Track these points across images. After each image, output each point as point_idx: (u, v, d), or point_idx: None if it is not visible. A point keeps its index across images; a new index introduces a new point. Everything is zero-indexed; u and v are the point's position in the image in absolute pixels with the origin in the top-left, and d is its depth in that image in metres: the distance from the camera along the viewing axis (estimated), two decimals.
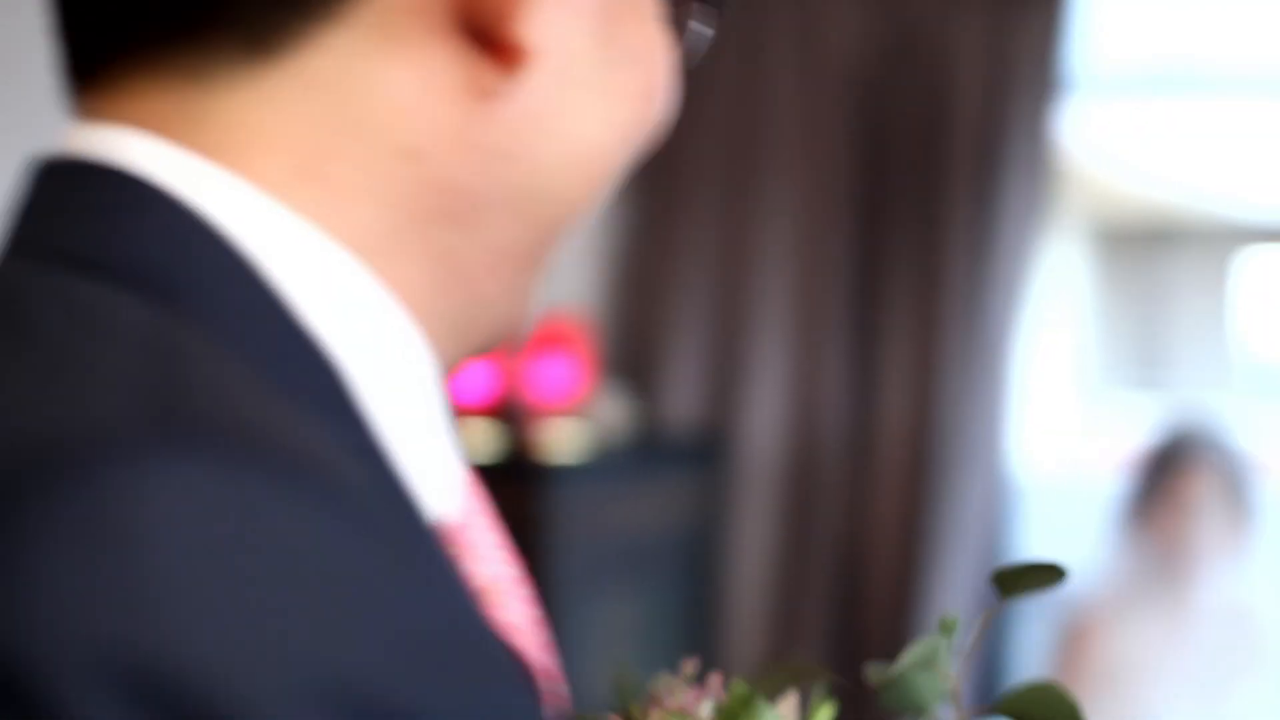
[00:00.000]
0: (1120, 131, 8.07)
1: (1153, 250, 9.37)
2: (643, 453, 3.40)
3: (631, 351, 3.60)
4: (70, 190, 0.59)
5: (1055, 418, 8.64)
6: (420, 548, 0.55)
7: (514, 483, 2.72)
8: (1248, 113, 7.20)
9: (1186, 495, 2.61)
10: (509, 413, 3.00)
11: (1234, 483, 2.62)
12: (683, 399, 3.57)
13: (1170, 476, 2.66)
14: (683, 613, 3.42)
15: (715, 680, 0.93)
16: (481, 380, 2.99)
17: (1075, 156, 8.35)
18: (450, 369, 0.65)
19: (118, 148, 0.59)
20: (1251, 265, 9.16)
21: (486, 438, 2.93)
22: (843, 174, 3.49)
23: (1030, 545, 3.08)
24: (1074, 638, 2.68)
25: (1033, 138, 3.36)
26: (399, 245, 0.61)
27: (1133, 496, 2.72)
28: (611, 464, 3.18)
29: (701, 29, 0.70)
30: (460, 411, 2.91)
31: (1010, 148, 3.36)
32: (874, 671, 1.29)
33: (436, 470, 0.62)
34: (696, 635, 3.47)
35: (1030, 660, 3.21)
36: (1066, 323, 9.21)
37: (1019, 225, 3.38)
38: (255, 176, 0.58)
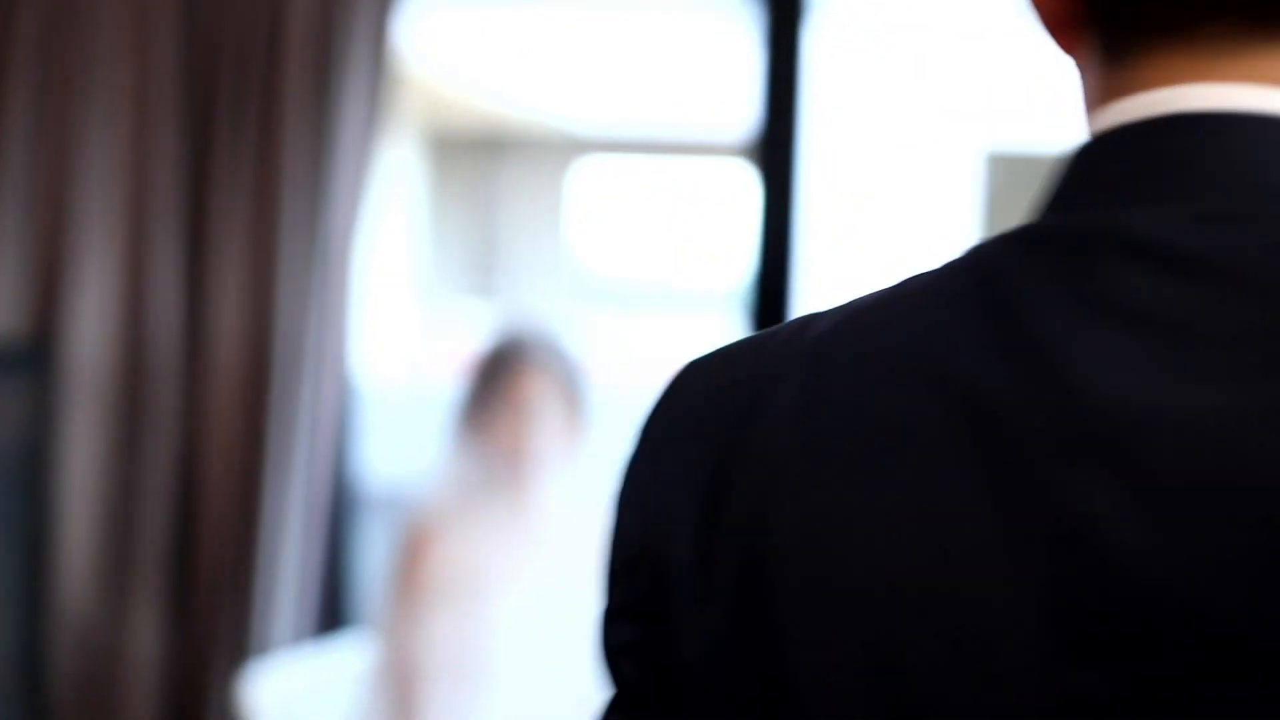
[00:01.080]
0: (457, 39, 8.16)
1: (489, 159, 9.57)
2: None
3: None
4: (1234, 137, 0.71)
5: (395, 324, 8.71)
6: None
7: None
8: (585, 25, 7.42)
9: (522, 398, 2.61)
10: None
11: (568, 386, 2.66)
12: (1, 306, 3.36)
13: (505, 380, 2.65)
14: (11, 527, 3.24)
15: None
16: None
17: (413, 63, 8.39)
18: None
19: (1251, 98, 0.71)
20: (586, 176, 9.52)
21: None
22: (173, 74, 3.34)
23: (374, 451, 3.04)
24: (412, 548, 2.63)
25: (373, 42, 3.32)
26: None
27: (467, 401, 2.67)
28: None
29: None
30: None
31: (350, 52, 3.30)
32: None
33: None
34: (27, 549, 3.29)
35: (378, 572, 3.20)
36: (405, 230, 9.28)
37: (358, 131, 3.34)
38: None
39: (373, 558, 3.38)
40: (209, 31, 3.34)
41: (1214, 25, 0.73)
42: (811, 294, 3.39)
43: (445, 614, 2.54)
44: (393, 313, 8.94)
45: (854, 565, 0.70)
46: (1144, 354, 0.67)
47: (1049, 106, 7.98)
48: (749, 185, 3.37)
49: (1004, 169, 8.75)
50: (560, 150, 9.47)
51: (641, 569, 0.79)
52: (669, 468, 0.79)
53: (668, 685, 0.78)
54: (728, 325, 3.42)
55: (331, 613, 3.50)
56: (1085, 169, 0.76)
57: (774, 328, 0.82)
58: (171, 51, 3.34)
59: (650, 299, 9.41)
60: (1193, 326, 0.67)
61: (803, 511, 0.72)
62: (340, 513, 3.49)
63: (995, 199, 8.73)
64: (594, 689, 2.61)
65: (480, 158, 9.47)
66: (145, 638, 3.39)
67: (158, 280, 3.36)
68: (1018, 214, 8.63)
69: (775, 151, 3.38)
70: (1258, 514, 0.63)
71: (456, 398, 2.73)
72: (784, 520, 0.73)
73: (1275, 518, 0.63)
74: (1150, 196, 0.71)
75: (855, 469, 0.71)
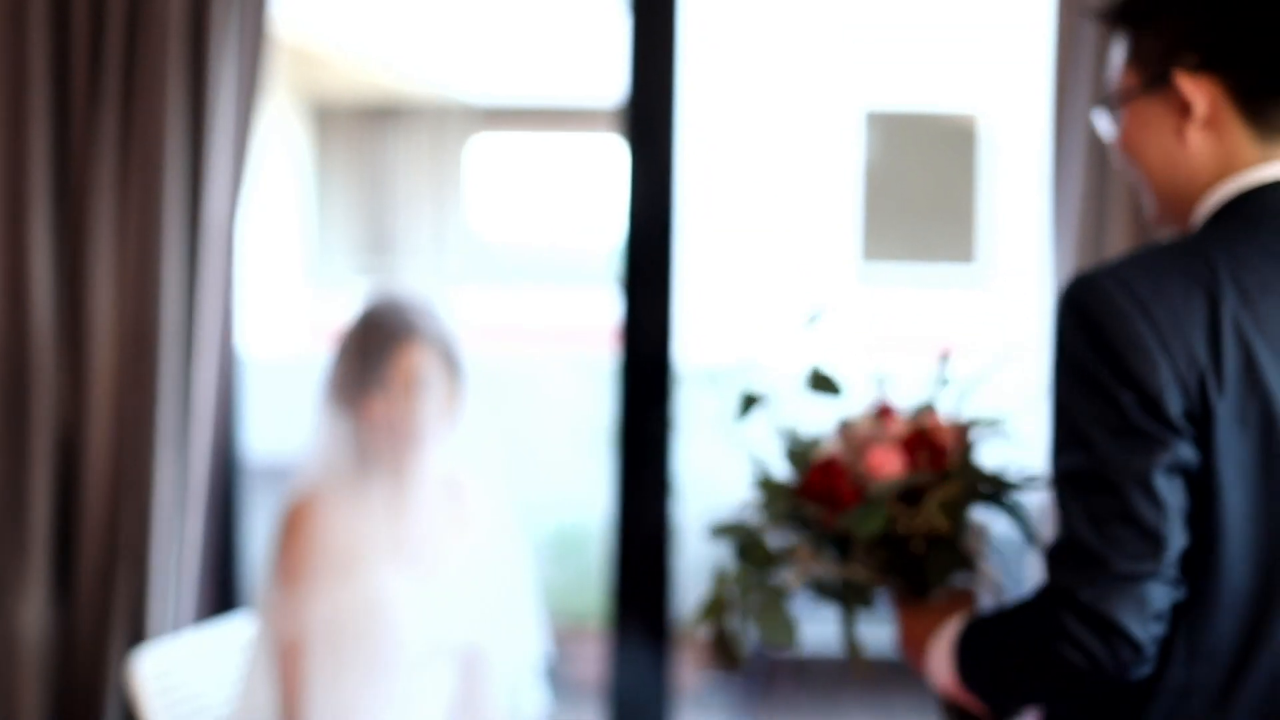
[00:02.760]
0: (340, 5, 8.09)
1: (378, 130, 9.49)
2: None
3: None
4: None
5: (281, 298, 8.64)
6: None
7: None
8: None
9: (406, 369, 2.57)
10: None
11: (450, 356, 2.65)
12: None
13: (386, 350, 2.58)
14: None
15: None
16: None
17: (294, 30, 8.31)
18: None
19: None
20: (474, 145, 9.46)
21: None
22: (43, 49, 3.30)
23: (263, 427, 3.03)
24: (291, 523, 2.59)
25: (249, 9, 3.28)
26: None
27: (344, 372, 2.59)
28: None
29: None
30: None
31: (226, 22, 3.27)
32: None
33: None
34: None
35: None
36: (290, 202, 9.20)
37: (236, 101, 3.32)
38: None
39: (262, 534, 3.37)
40: (78, 5, 3.29)
41: None
42: (689, 259, 3.42)
43: (327, 588, 2.52)
44: (279, 286, 8.88)
45: None
46: None
47: (926, 66, 8.05)
48: (623, 152, 3.39)
49: (884, 128, 8.81)
50: (448, 119, 9.41)
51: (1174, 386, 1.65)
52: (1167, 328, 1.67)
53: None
54: (609, 293, 3.44)
55: (222, 589, 3.49)
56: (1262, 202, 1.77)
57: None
58: (39, 31, 3.28)
59: (535, 269, 9.39)
60: None
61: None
62: (228, 489, 3.48)
63: (875, 158, 8.80)
64: (482, 657, 2.62)
65: (366, 127, 9.40)
66: (32, 618, 3.36)
67: (34, 259, 3.31)
68: (898, 173, 8.70)
69: (649, 117, 3.40)
70: None
71: (330, 367, 2.64)
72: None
73: None
74: None
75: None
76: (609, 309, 3.43)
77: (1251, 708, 1.67)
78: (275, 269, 8.73)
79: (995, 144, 8.36)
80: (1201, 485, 1.65)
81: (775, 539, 1.92)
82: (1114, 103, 1.86)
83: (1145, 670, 1.65)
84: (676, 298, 3.41)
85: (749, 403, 1.99)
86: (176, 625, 3.36)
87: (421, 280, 9.17)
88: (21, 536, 3.35)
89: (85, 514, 3.34)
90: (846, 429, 1.93)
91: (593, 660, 5.31)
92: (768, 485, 1.93)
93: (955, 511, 1.88)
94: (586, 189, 8.97)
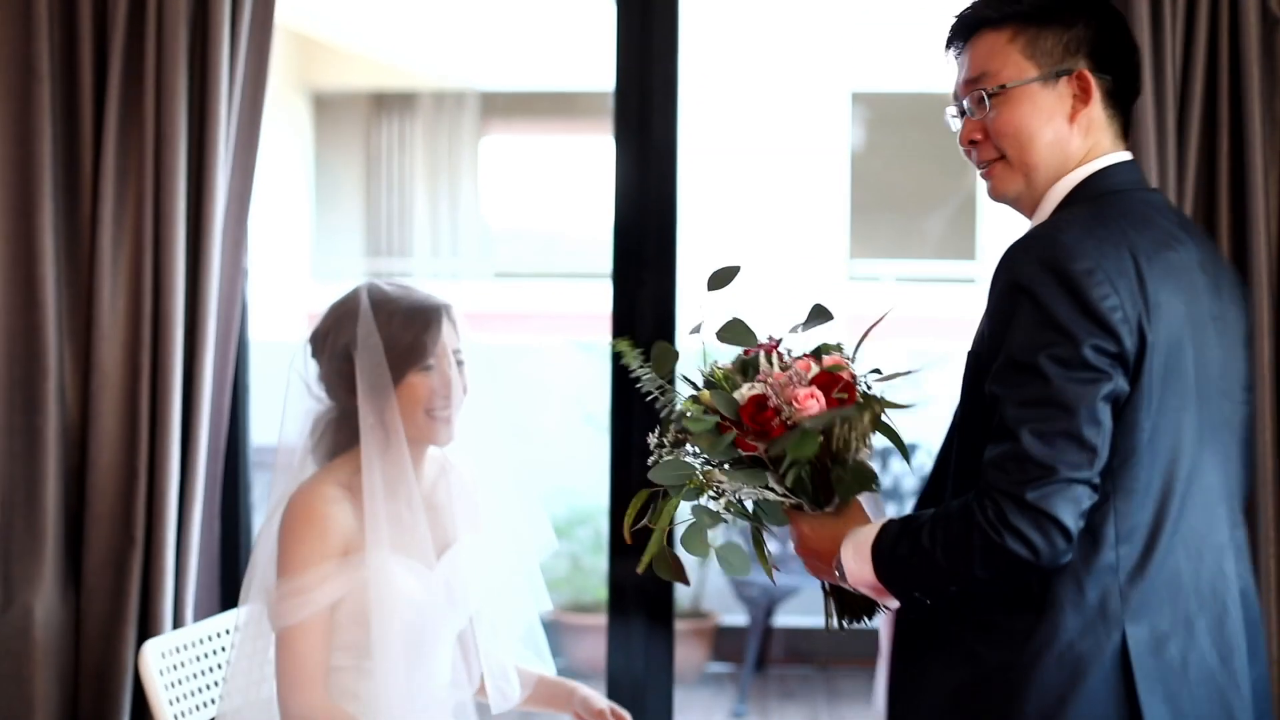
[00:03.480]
0: None
1: (383, 118, 9.49)
2: None
3: None
4: None
5: (285, 288, 8.67)
6: None
7: None
8: None
9: (444, 348, 2.57)
10: None
11: (457, 345, 2.67)
12: None
13: (431, 332, 2.56)
14: None
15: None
16: None
17: (298, 18, 8.32)
18: None
19: None
20: (485, 136, 9.46)
21: None
22: (49, 42, 3.33)
23: (269, 416, 3.01)
24: (296, 512, 2.57)
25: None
26: None
27: (373, 358, 2.55)
28: None
29: None
30: None
31: (230, 11, 3.30)
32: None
33: None
34: None
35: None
36: (295, 189, 9.20)
37: (242, 91, 3.35)
38: None
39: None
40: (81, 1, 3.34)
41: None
42: (684, 242, 3.44)
43: (332, 575, 2.53)
44: (283, 276, 8.89)
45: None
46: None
47: (912, 47, 8.04)
48: (619, 138, 3.41)
49: (871, 108, 8.80)
50: (454, 107, 9.41)
51: (1125, 327, 2.02)
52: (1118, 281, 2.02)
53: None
54: (611, 280, 3.47)
55: (230, 576, 3.53)
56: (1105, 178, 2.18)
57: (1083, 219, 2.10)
58: (47, 16, 3.32)
59: (541, 257, 9.39)
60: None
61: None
62: (235, 477, 3.52)
63: (865, 138, 8.79)
64: (481, 631, 2.65)
65: (370, 115, 9.40)
66: (44, 607, 3.40)
67: (42, 249, 3.34)
68: (887, 152, 8.69)
69: (642, 104, 3.42)
70: None
71: (342, 355, 2.61)
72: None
73: None
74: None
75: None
76: (610, 296, 3.46)
77: (1161, 579, 2.07)
78: (279, 258, 8.75)
79: None
80: (1130, 406, 2.04)
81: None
82: (995, 90, 2.16)
83: (1069, 558, 2.01)
84: (677, 283, 3.45)
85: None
86: (186, 613, 3.41)
87: (426, 268, 9.18)
88: (33, 526, 3.39)
89: (94, 503, 3.38)
90: (757, 368, 2.22)
91: (594, 645, 5.36)
92: (696, 421, 2.17)
93: (866, 435, 2.20)
94: (591, 177, 8.97)
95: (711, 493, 2.18)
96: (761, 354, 2.23)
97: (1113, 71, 2.18)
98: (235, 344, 3.42)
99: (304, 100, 9.13)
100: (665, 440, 2.24)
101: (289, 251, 8.94)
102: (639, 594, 3.46)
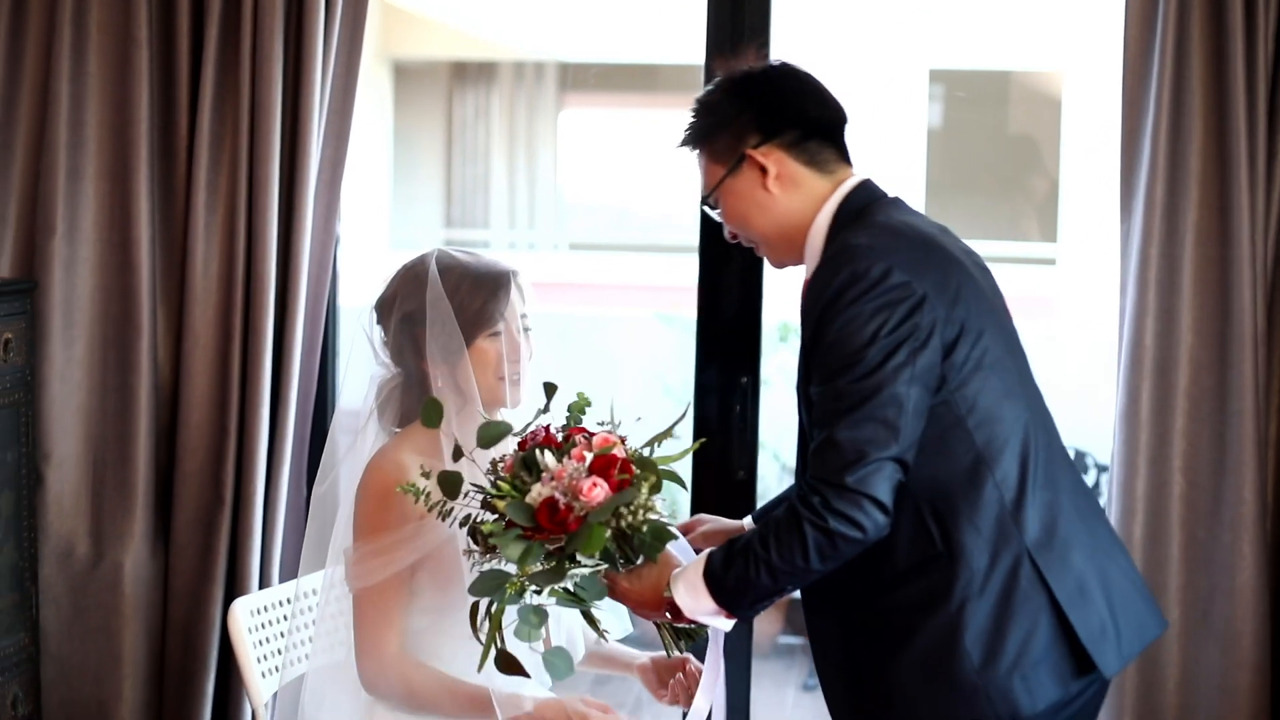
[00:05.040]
0: None
1: (463, 88, 9.52)
2: None
3: None
4: None
5: (365, 255, 8.73)
6: None
7: None
8: None
9: (513, 313, 2.58)
10: None
11: (524, 312, 2.68)
12: None
13: (500, 297, 2.57)
14: (5, 462, 3.31)
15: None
16: None
17: None
18: None
19: None
20: (567, 107, 9.48)
21: None
22: (146, 11, 3.39)
23: (356, 380, 3.03)
24: (373, 476, 2.58)
25: None
26: None
27: (443, 323, 2.56)
28: None
29: None
30: None
31: None
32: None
33: None
34: (17, 480, 3.35)
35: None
36: (378, 157, 9.26)
37: (336, 61, 3.39)
38: None
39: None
40: None
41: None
42: None
43: (410, 538, 2.55)
44: (364, 242, 8.95)
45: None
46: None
47: (991, 23, 7.99)
48: None
49: (950, 85, 8.75)
50: (535, 78, 9.43)
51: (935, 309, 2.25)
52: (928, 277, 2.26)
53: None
54: (694, 255, 3.49)
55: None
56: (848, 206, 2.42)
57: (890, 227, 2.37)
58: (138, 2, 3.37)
59: (613, 229, 9.40)
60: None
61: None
62: (322, 440, 3.56)
63: (942, 116, 8.74)
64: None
65: (451, 84, 9.43)
66: (134, 564, 3.47)
67: (138, 215, 3.40)
68: (965, 131, 8.65)
69: None
70: None
71: (405, 320, 2.62)
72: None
73: None
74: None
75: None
76: (694, 269, 3.48)
77: (1037, 503, 2.31)
78: (360, 226, 8.81)
79: (1078, 105, 8.31)
80: (965, 379, 2.28)
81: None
82: (711, 198, 2.45)
83: (886, 531, 2.22)
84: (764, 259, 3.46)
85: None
86: (272, 572, 3.46)
87: (502, 238, 9.22)
88: (124, 484, 3.46)
89: (184, 462, 3.44)
90: (537, 465, 2.38)
91: None
92: (501, 538, 2.33)
93: (648, 504, 2.38)
94: (673, 150, 8.95)
95: (533, 588, 2.33)
96: (537, 451, 2.38)
97: (787, 127, 2.41)
98: (325, 309, 3.47)
99: (385, 69, 9.18)
100: (475, 550, 2.38)
101: (369, 219, 9.00)
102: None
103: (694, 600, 2.33)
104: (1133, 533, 3.25)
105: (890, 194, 2.47)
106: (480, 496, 2.40)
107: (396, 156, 9.48)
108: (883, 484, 2.20)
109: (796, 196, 2.41)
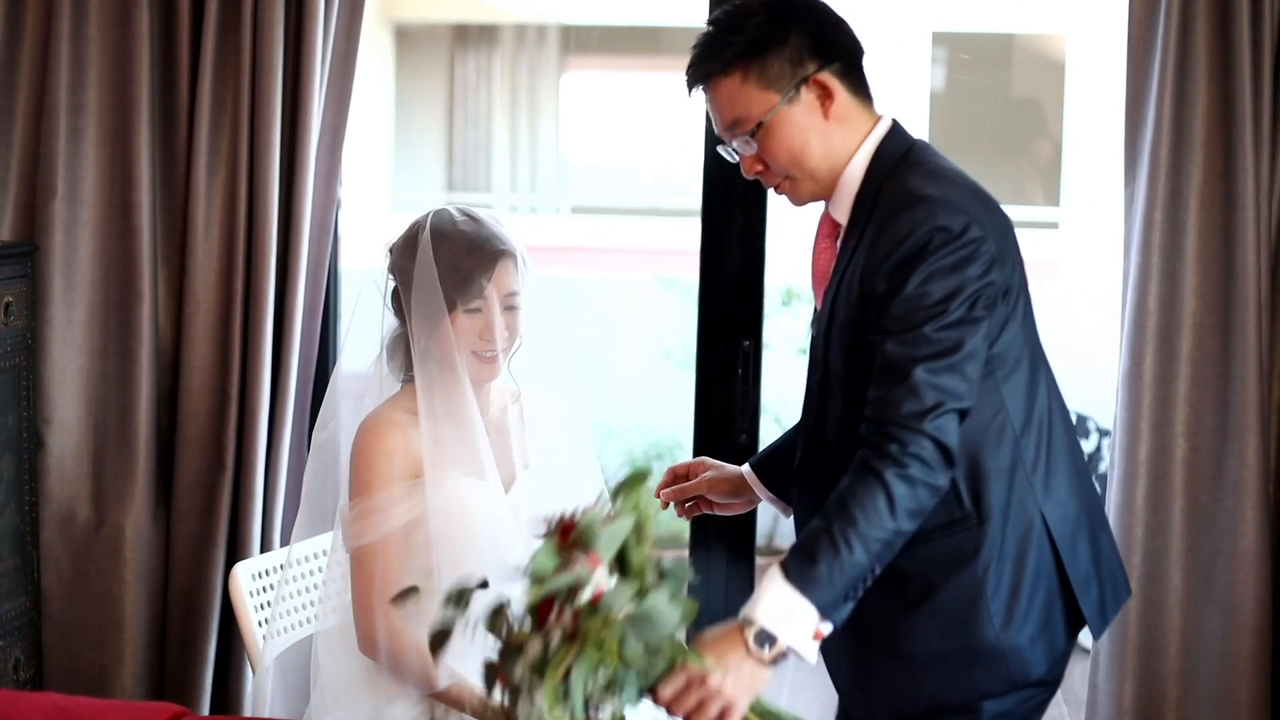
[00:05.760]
0: None
1: (465, 50, 9.49)
2: None
3: None
4: None
5: (366, 219, 8.71)
6: None
7: None
8: None
9: (505, 285, 2.57)
10: None
11: (524, 273, 2.66)
12: None
13: (486, 268, 2.56)
14: (6, 425, 3.31)
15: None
16: None
17: None
18: None
19: None
20: (568, 69, 9.46)
21: None
22: None
23: (356, 345, 3.02)
24: (365, 438, 2.57)
25: None
26: None
27: (428, 290, 2.55)
28: None
29: None
30: None
31: None
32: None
33: None
34: (18, 444, 3.35)
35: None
36: (378, 120, 9.23)
37: (337, 25, 3.37)
38: None
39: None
40: None
41: None
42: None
43: (404, 497, 2.54)
44: (365, 206, 8.93)
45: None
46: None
47: None
48: None
49: (953, 48, 8.71)
50: (537, 41, 9.39)
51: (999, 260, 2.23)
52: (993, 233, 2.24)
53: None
54: (697, 218, 3.48)
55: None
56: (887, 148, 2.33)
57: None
58: None
59: (616, 192, 9.39)
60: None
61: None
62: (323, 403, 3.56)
63: (945, 78, 8.70)
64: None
65: (452, 46, 9.40)
66: (136, 527, 3.47)
67: (139, 179, 3.40)
68: (968, 93, 8.62)
69: None
70: None
71: (408, 285, 2.59)
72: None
73: None
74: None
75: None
76: (696, 233, 3.47)
77: (1053, 468, 2.31)
78: (362, 189, 8.79)
79: (1082, 68, 8.28)
80: (1007, 328, 2.26)
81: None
82: (755, 127, 2.27)
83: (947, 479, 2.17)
84: (767, 221, 3.45)
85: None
86: (273, 536, 3.47)
87: (504, 202, 9.20)
88: (125, 448, 3.46)
89: (186, 426, 3.44)
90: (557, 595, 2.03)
91: None
92: (520, 639, 2.01)
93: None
94: (675, 113, 8.94)
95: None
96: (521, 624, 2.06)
97: (837, 55, 2.31)
98: (327, 273, 3.46)
99: (387, 32, 9.15)
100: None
101: (370, 183, 8.98)
102: (720, 529, 3.49)
103: (784, 618, 2.11)
104: (1135, 497, 3.24)
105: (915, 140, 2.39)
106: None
107: (398, 120, 9.45)
108: (953, 435, 2.17)
109: (845, 130, 2.32)
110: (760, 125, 2.29)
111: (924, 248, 2.19)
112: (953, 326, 2.18)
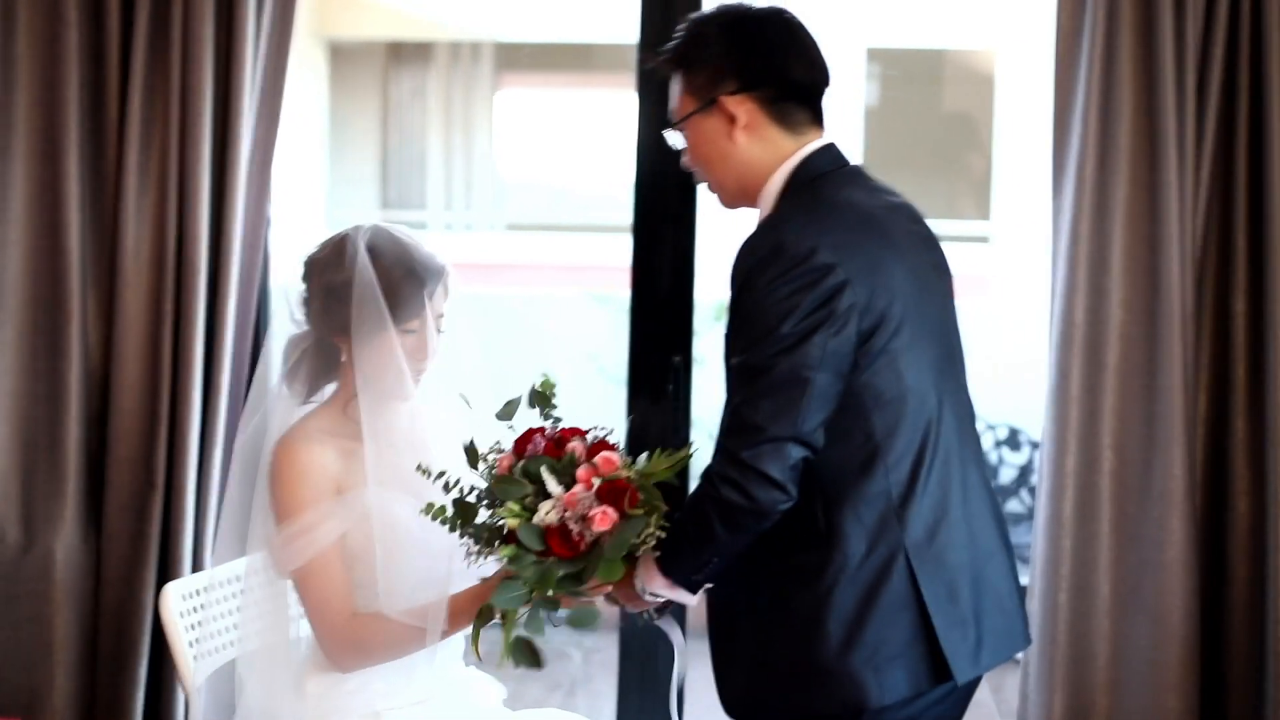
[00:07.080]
0: None
1: (399, 68, 9.47)
2: None
3: None
4: None
5: (302, 232, 8.67)
6: None
7: None
8: None
9: (438, 308, 2.57)
10: None
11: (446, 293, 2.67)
12: None
13: (426, 291, 2.57)
14: None
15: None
16: None
17: None
18: None
19: None
20: (502, 87, 9.45)
21: None
22: None
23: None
24: (281, 460, 2.54)
25: None
26: None
27: (363, 309, 2.54)
28: None
29: None
30: None
31: None
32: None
33: None
34: None
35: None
36: (311, 137, 9.20)
37: (267, 41, 3.37)
38: None
39: None
40: None
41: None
42: (705, 196, 3.44)
43: (332, 513, 2.53)
44: (298, 223, 8.89)
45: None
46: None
47: (928, 2, 8.01)
48: (641, 91, 3.41)
49: (886, 64, 8.76)
50: (471, 58, 9.39)
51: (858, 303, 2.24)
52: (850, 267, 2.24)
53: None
54: (629, 234, 3.49)
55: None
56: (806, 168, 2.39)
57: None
58: None
59: (550, 209, 9.39)
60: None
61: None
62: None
63: (879, 95, 8.76)
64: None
65: (386, 64, 9.38)
66: (65, 548, 3.44)
67: (67, 196, 3.37)
68: (901, 109, 8.68)
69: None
70: None
71: (331, 303, 2.59)
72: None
73: None
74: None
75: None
76: (628, 249, 3.48)
77: (925, 503, 2.32)
78: (295, 207, 8.75)
79: (1012, 83, 8.35)
80: (879, 360, 2.28)
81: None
82: (677, 124, 2.43)
83: (788, 504, 2.23)
84: (696, 237, 3.46)
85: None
86: (205, 557, 3.44)
87: (439, 219, 9.19)
88: (54, 469, 3.43)
89: (116, 447, 3.41)
90: (536, 475, 2.43)
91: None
92: (519, 562, 2.39)
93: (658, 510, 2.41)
94: (605, 131, 8.96)
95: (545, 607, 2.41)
96: (544, 471, 2.43)
97: (768, 83, 2.39)
98: (257, 291, 3.45)
99: (320, 49, 9.12)
100: (474, 551, 2.44)
101: (304, 201, 8.95)
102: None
103: (648, 577, 2.40)
104: (1063, 509, 3.27)
105: (852, 163, 2.45)
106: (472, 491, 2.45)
107: (332, 137, 9.42)
108: (776, 463, 2.21)
109: (759, 149, 2.40)
110: (681, 122, 2.44)
111: (762, 267, 2.24)
112: (780, 353, 2.22)
